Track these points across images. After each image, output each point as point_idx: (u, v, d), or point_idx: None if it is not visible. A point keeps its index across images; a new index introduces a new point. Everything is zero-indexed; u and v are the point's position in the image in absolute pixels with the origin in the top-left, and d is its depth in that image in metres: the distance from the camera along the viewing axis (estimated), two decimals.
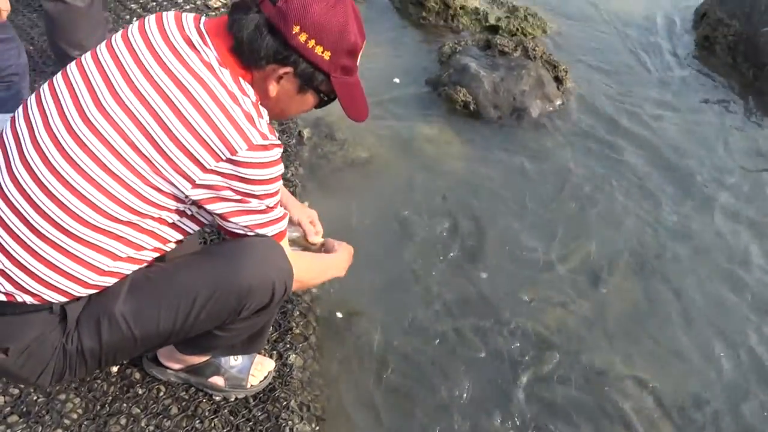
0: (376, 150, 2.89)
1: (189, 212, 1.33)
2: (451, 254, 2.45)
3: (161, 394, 1.78)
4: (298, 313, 2.10)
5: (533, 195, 2.74)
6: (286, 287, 1.39)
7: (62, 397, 1.73)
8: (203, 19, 1.33)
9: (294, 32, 1.24)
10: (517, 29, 3.75)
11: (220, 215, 1.30)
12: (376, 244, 2.44)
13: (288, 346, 1.99)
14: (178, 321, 1.34)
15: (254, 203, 1.30)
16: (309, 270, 1.62)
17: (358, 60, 1.37)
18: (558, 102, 3.24)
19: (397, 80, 3.38)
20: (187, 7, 3.40)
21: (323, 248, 1.82)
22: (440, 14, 3.88)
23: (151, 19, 1.33)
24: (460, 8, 3.86)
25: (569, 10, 4.09)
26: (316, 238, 1.85)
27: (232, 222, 1.32)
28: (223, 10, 3.43)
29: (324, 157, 2.82)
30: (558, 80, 3.30)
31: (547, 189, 2.78)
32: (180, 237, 1.37)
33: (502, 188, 2.76)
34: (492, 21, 3.82)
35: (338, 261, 1.79)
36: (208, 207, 1.28)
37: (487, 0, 4.03)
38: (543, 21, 3.87)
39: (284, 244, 1.43)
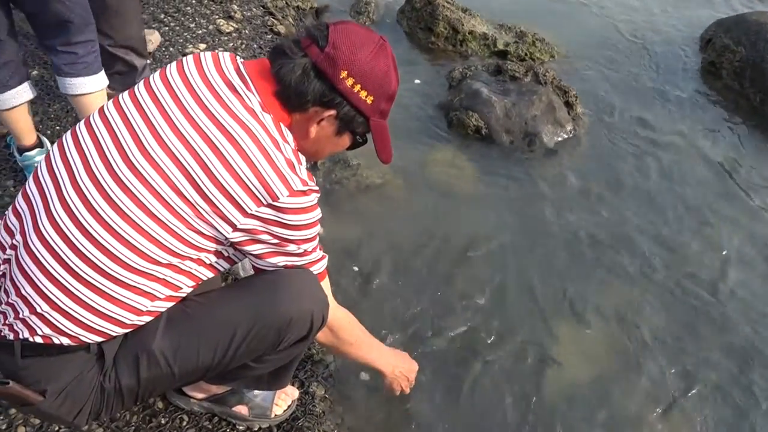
0: (389, 176, 2.90)
1: (226, 253, 1.32)
2: (465, 282, 2.45)
3: (184, 423, 1.77)
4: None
5: (546, 224, 2.76)
6: (323, 317, 1.39)
7: (85, 428, 1.71)
8: (239, 59, 1.34)
9: (342, 77, 1.27)
10: (526, 54, 3.80)
11: (256, 255, 1.31)
12: (389, 270, 2.44)
13: (309, 374, 1.99)
14: (217, 356, 1.34)
15: (292, 247, 1.31)
16: (350, 329, 1.61)
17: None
18: (569, 127, 3.26)
19: (417, 81, 3.47)
20: (199, 31, 3.43)
21: None
22: (449, 39, 3.92)
23: (189, 62, 1.33)
24: (469, 33, 3.91)
25: (576, 36, 4.14)
26: None
27: (268, 262, 1.33)
28: (234, 34, 3.46)
29: (338, 182, 2.83)
30: (569, 105, 3.33)
31: (560, 218, 2.79)
32: (212, 275, 1.38)
33: (514, 216, 2.78)
34: (500, 46, 3.87)
35: (390, 355, 1.83)
36: (246, 248, 1.28)
37: (495, 25, 4.08)
38: (551, 46, 3.92)
39: (325, 285, 1.43)
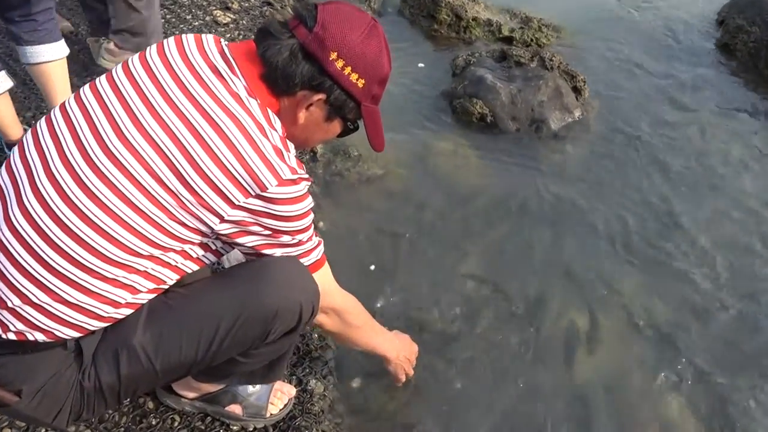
0: (391, 166, 2.81)
1: (213, 246, 1.27)
2: (469, 273, 2.35)
3: (176, 424, 1.69)
4: (316, 335, 2.01)
5: (554, 211, 2.65)
6: (313, 308, 1.32)
7: (72, 429, 1.64)
8: (224, 42, 1.27)
9: (331, 58, 1.21)
10: (532, 40, 3.69)
11: (250, 248, 1.25)
12: (391, 264, 2.35)
13: (307, 370, 1.90)
14: (200, 350, 1.26)
15: (286, 238, 1.25)
16: (356, 313, 1.57)
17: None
18: (577, 113, 3.15)
19: (421, 65, 3.41)
20: (196, 23, 3.36)
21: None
22: (452, 26, 3.83)
23: (170, 43, 1.26)
24: (473, 20, 3.81)
25: (584, 21, 4.03)
26: None
27: (264, 254, 1.27)
28: (232, 25, 3.39)
29: (338, 173, 2.74)
30: (577, 90, 3.22)
31: (568, 204, 2.69)
32: (198, 268, 1.31)
33: (520, 205, 2.67)
34: (505, 32, 3.77)
35: (393, 339, 1.79)
36: (237, 240, 1.22)
37: (499, 11, 3.98)
38: (557, 31, 3.81)
39: (325, 271, 1.40)
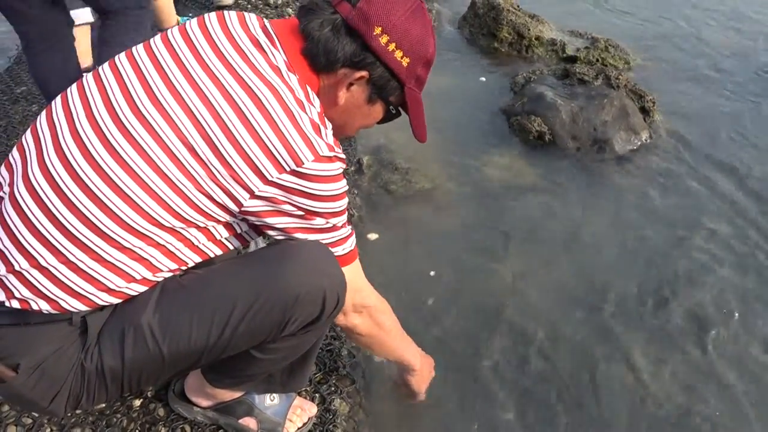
0: (441, 181, 2.67)
1: (238, 229, 1.19)
2: (517, 299, 2.15)
3: None
4: (346, 352, 1.86)
5: (613, 238, 2.43)
6: (338, 298, 1.20)
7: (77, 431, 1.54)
8: (266, 19, 1.23)
9: (375, 33, 1.15)
10: (597, 60, 3.50)
11: (281, 230, 1.17)
12: (433, 285, 2.18)
13: (332, 389, 1.75)
14: (212, 335, 1.16)
15: (319, 221, 1.18)
16: (388, 313, 1.48)
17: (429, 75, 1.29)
18: (644, 135, 2.93)
19: (483, 79, 3.30)
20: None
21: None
22: (513, 45, 3.69)
23: (212, 16, 1.22)
24: (535, 39, 3.66)
25: (655, 43, 3.82)
26: None
27: (295, 238, 1.19)
28: None
29: (384, 186, 2.62)
30: (644, 111, 3.01)
31: (629, 232, 2.45)
32: (221, 252, 1.23)
33: (575, 228, 2.46)
34: (570, 52, 3.59)
35: (420, 353, 1.69)
36: (266, 220, 1.15)
37: (565, 31, 3.82)
38: (626, 52, 3.61)
39: (358, 265, 1.32)
